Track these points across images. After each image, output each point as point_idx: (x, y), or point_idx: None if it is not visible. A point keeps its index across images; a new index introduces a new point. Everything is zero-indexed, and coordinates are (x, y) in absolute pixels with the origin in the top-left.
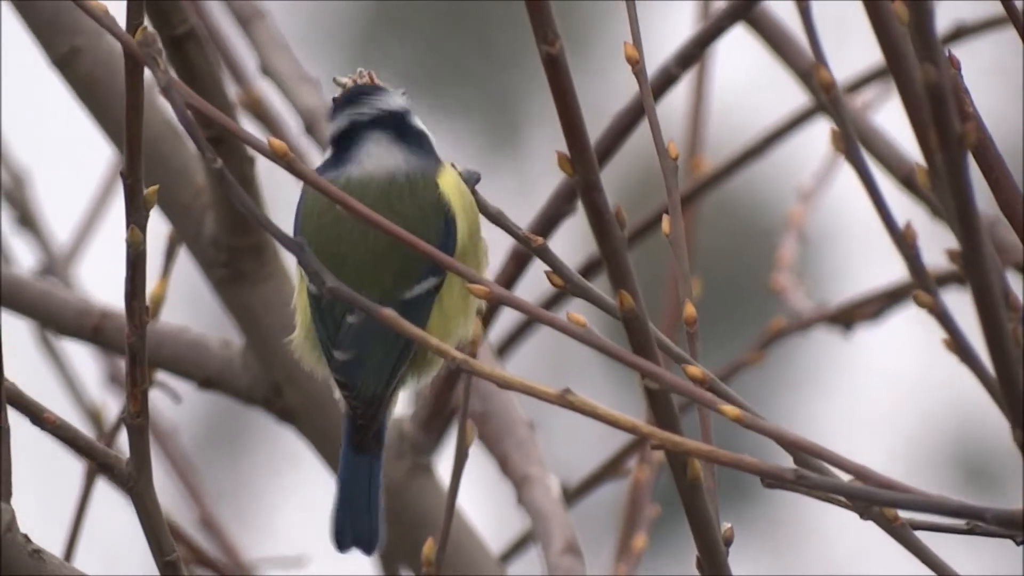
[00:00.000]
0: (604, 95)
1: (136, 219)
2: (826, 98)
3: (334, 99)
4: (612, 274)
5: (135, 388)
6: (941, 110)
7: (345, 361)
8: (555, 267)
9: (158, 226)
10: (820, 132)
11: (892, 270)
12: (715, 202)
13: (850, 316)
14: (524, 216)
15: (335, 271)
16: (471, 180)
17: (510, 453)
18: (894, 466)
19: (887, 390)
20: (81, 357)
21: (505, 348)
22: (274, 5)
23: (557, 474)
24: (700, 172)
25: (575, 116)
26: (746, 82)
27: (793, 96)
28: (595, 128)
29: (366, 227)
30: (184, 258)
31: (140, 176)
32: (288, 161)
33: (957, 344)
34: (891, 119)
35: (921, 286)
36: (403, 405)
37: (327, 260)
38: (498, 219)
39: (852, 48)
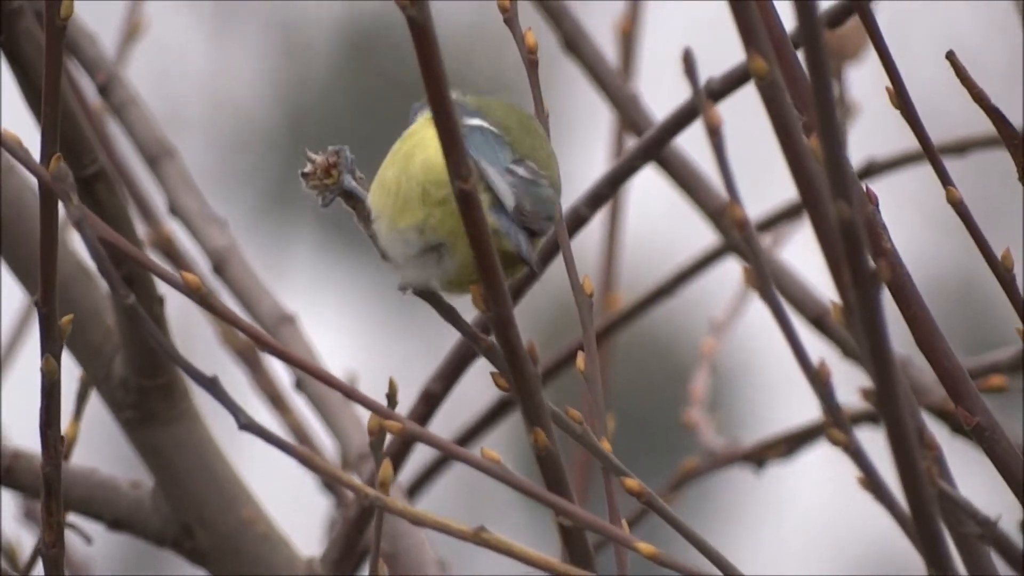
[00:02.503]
0: None
1: (51, 348)
2: (739, 235)
3: (303, 174)
4: (526, 411)
5: (51, 518)
6: (854, 246)
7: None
8: (502, 369)
9: (69, 367)
10: (731, 268)
11: (803, 405)
12: (627, 338)
13: (762, 454)
14: (443, 348)
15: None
16: None
17: None
18: None
19: (803, 528)
20: None
21: (418, 485)
22: (189, 141)
23: None
24: (614, 309)
25: (488, 252)
26: (660, 215)
27: (706, 231)
28: None
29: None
30: (94, 399)
31: (55, 305)
32: (201, 295)
33: (871, 482)
34: (801, 258)
35: (835, 423)
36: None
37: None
38: (451, 315)
39: (764, 184)
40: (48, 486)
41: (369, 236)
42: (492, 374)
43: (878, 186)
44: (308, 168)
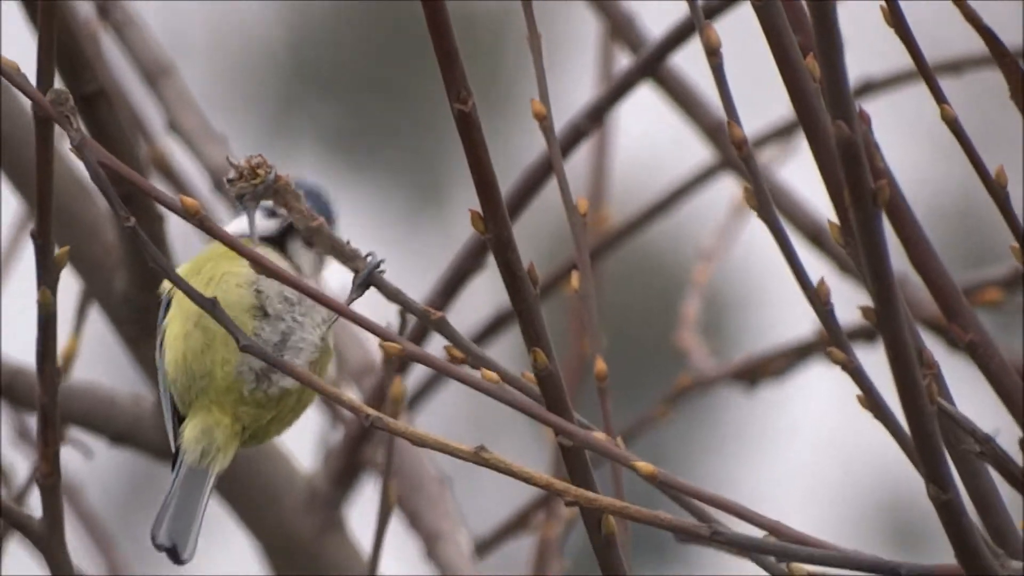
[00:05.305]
0: (525, 155)
1: (47, 280)
2: (738, 155)
3: (228, 180)
4: (525, 331)
5: (47, 448)
6: (855, 167)
7: None
8: (454, 340)
9: (69, 282)
10: (722, 190)
11: (794, 328)
12: (618, 260)
13: (757, 372)
14: (444, 262)
15: None
16: None
17: (421, 511)
18: (817, 525)
19: (807, 449)
20: None
21: (416, 400)
22: (194, 65)
23: (474, 528)
24: (604, 226)
25: (487, 173)
26: (646, 139)
27: (693, 153)
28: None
29: None
30: (95, 314)
31: (51, 237)
32: (200, 219)
33: (871, 401)
34: (797, 174)
35: (834, 343)
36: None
37: None
38: (396, 297)
39: (761, 102)
40: (44, 417)
41: (306, 235)
42: (445, 347)
43: (870, 106)
44: (233, 174)
